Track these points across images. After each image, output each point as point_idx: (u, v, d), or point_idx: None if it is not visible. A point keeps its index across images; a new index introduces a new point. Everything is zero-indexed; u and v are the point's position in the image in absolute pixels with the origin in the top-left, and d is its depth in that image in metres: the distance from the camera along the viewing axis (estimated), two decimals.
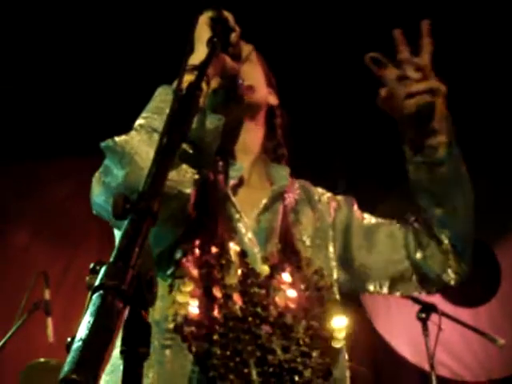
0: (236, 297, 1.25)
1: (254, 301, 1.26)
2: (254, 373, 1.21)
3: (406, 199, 1.53)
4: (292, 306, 1.31)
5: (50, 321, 3.20)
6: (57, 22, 3.59)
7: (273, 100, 1.57)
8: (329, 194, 1.61)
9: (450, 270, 1.48)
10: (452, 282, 1.51)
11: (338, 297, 1.43)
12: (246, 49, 1.49)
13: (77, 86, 3.97)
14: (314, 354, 1.29)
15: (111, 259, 0.71)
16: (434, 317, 3.03)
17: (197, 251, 1.28)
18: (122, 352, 0.73)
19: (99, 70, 3.86)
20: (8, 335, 3.12)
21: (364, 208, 1.61)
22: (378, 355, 4.30)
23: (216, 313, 1.22)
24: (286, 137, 1.60)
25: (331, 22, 3.67)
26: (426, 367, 3.08)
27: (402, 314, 3.94)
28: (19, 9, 3.50)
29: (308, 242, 1.45)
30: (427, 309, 3.06)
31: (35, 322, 3.28)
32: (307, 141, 3.52)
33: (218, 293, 1.24)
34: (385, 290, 1.54)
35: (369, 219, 1.57)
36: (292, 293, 1.32)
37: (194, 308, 1.22)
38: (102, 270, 0.69)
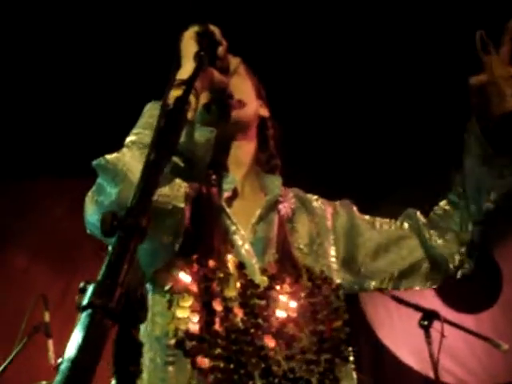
0: (236, 309, 1.25)
1: (254, 312, 1.26)
2: None
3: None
4: (293, 315, 1.30)
5: (50, 343, 3.18)
6: (46, 39, 3.60)
7: (264, 112, 1.57)
8: (323, 200, 1.61)
9: (460, 261, 1.50)
10: (459, 274, 1.52)
11: (342, 300, 1.42)
12: (234, 62, 1.49)
13: (73, 106, 3.98)
14: (323, 357, 1.28)
15: (99, 277, 0.70)
16: (437, 324, 3.01)
17: (194, 265, 1.27)
18: (113, 372, 0.72)
19: (93, 91, 3.87)
20: (9, 359, 3.09)
21: None
22: (382, 364, 4.27)
23: (217, 326, 1.21)
24: (279, 147, 1.60)
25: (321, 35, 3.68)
26: (431, 374, 3.05)
27: (405, 322, 3.92)
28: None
29: (306, 250, 1.44)
30: (429, 316, 3.03)
31: (36, 344, 3.26)
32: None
33: (218, 306, 1.23)
34: (389, 285, 1.54)
35: (372, 220, 1.58)
36: (292, 303, 1.31)
37: (194, 323, 1.21)
38: (90, 288, 0.68)
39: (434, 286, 1.57)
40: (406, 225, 1.56)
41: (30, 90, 3.88)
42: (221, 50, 1.35)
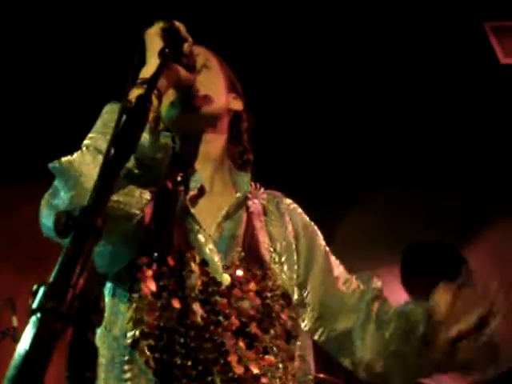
0: (196, 306, 1.24)
1: (215, 310, 1.25)
2: (217, 380, 1.19)
3: (365, 216, 1.52)
4: (256, 315, 1.29)
5: None
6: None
7: (236, 105, 1.54)
8: (297, 211, 1.58)
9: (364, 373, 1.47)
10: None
11: (298, 317, 1.41)
12: (202, 57, 1.47)
13: (46, 111, 3.92)
14: (281, 364, 1.27)
15: (50, 279, 0.67)
16: None
17: (154, 264, 1.25)
18: (67, 377, 0.69)
19: (67, 96, 3.82)
20: None
21: (323, 226, 1.58)
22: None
23: (175, 323, 1.21)
24: (252, 141, 1.59)
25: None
26: None
27: None
28: None
29: (276, 257, 1.42)
30: None
31: (3, 349, 3.20)
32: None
33: (176, 304, 1.22)
34: (315, 336, 1.49)
35: (334, 269, 1.52)
36: (256, 302, 1.30)
37: (151, 322, 1.20)
38: (41, 291, 0.65)
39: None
40: (361, 302, 1.48)
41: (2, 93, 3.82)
42: (186, 46, 1.33)
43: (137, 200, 1.17)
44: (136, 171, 1.17)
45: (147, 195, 1.19)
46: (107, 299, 1.29)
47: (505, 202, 4.37)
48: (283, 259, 1.43)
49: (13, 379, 0.57)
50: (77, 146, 1.23)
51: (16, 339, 3.17)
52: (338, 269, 1.53)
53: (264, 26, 3.59)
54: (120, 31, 3.22)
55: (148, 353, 1.18)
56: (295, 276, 1.44)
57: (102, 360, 1.21)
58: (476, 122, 4.21)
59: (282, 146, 4.02)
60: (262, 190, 1.54)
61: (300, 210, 1.59)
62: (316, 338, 1.49)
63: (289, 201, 1.58)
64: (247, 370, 1.22)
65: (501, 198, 4.38)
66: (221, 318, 1.24)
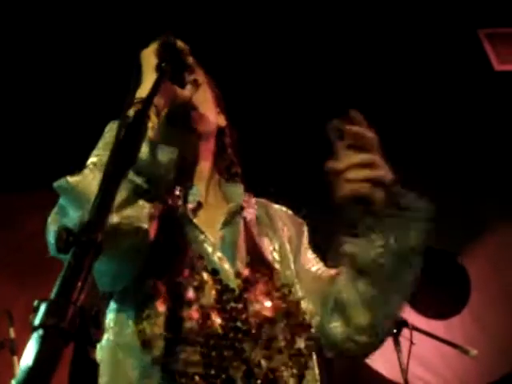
0: (214, 315, 1.24)
1: (232, 316, 1.26)
2: None
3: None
4: (269, 315, 1.30)
5: (16, 360, 3.12)
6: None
7: (221, 121, 1.57)
8: (287, 213, 1.61)
9: (352, 344, 1.43)
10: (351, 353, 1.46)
11: (306, 312, 1.40)
12: (201, 74, 1.48)
13: (50, 119, 3.93)
14: (291, 363, 1.29)
15: (52, 295, 0.68)
16: (406, 332, 3.03)
17: (167, 277, 1.26)
18: None
19: (72, 104, 3.84)
20: None
21: (321, 232, 1.61)
22: (354, 372, 4.27)
23: (194, 335, 1.21)
24: (237, 154, 1.60)
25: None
26: (402, 382, 3.06)
27: None
28: None
29: (277, 257, 1.45)
30: (398, 325, 3.05)
31: (1, 361, 3.19)
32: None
33: (195, 315, 1.23)
34: None
35: (310, 265, 1.53)
36: (267, 303, 1.32)
37: (171, 335, 1.20)
38: (42, 307, 0.66)
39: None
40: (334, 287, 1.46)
41: (6, 102, 3.82)
42: (191, 59, 1.35)
43: (145, 214, 1.17)
44: (144, 186, 1.16)
45: (154, 209, 1.19)
46: (112, 316, 1.28)
47: (503, 208, 4.39)
48: (282, 259, 1.46)
49: None
50: (82, 159, 1.22)
51: (13, 351, 3.16)
52: (313, 263, 1.54)
53: (250, 29, 3.62)
54: (119, 47, 3.25)
55: (171, 367, 1.18)
56: (295, 274, 1.46)
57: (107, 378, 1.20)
58: (471, 129, 4.23)
59: (281, 146, 4.03)
60: (254, 199, 1.56)
61: (290, 212, 1.61)
62: None
63: (277, 206, 1.61)
64: (267, 374, 1.23)
65: (499, 203, 4.40)
66: (239, 323, 1.25)
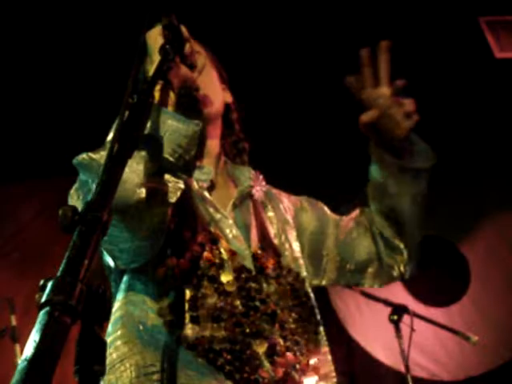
0: (234, 294, 1.27)
1: (251, 295, 1.29)
2: (265, 363, 1.23)
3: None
4: (282, 297, 1.34)
5: (17, 348, 3.12)
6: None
7: (227, 97, 1.58)
8: (286, 194, 1.65)
9: (403, 268, 1.58)
10: (401, 278, 1.61)
11: (311, 292, 1.45)
12: (202, 58, 1.47)
13: (37, 109, 3.91)
14: (303, 341, 1.32)
15: (58, 273, 0.67)
16: (407, 318, 3.03)
17: (189, 255, 1.28)
18: (75, 371, 0.69)
19: (59, 94, 3.81)
20: None
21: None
22: (353, 360, 4.29)
23: (219, 311, 1.24)
24: (244, 129, 1.62)
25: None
26: (402, 369, 3.07)
27: (375, 317, 3.94)
28: None
29: (276, 240, 1.47)
30: (398, 311, 3.05)
31: (3, 349, 3.19)
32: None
33: (217, 291, 1.26)
34: (342, 280, 1.61)
35: (338, 218, 1.63)
36: (279, 285, 1.35)
37: (195, 313, 1.23)
38: (49, 285, 0.65)
39: (380, 286, 1.63)
40: (363, 224, 1.61)
41: None
42: (188, 47, 1.33)
43: (171, 188, 1.17)
44: (171, 159, 1.16)
45: (181, 184, 1.19)
46: (122, 295, 1.30)
47: (503, 196, 4.39)
48: (283, 239, 1.48)
49: (23, 372, 0.57)
50: (70, 146, 1.20)
51: (14, 338, 3.16)
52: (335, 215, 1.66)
53: (258, 20, 3.60)
54: (121, 33, 3.22)
55: (197, 345, 1.21)
56: (298, 250, 1.50)
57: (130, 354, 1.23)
58: (472, 118, 4.22)
59: (281, 144, 4.03)
60: (261, 176, 1.57)
61: (286, 193, 1.66)
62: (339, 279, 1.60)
63: (276, 190, 1.63)
64: (286, 352, 1.27)
65: (499, 192, 4.39)
66: (257, 303, 1.28)
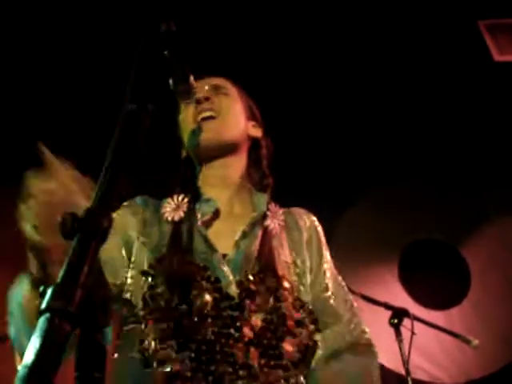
0: (208, 322, 1.27)
1: (227, 323, 1.28)
2: None
3: (365, 216, 1.55)
4: (270, 326, 1.31)
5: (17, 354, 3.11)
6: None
7: (255, 132, 1.62)
8: (307, 216, 1.60)
9: None
10: None
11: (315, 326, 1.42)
12: (202, 90, 1.54)
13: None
14: (292, 368, 1.30)
15: (58, 280, 0.68)
16: (407, 322, 3.03)
17: (162, 287, 1.30)
18: (76, 377, 0.70)
19: (60, 94, 3.81)
20: None
21: (322, 226, 1.61)
22: None
23: (186, 340, 1.24)
24: (271, 166, 1.64)
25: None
26: (403, 372, 3.06)
27: (376, 321, 3.93)
28: None
29: (297, 270, 1.46)
30: (399, 314, 3.05)
31: (2, 353, 3.18)
32: None
33: (190, 320, 1.26)
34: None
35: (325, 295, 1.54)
36: (268, 313, 1.32)
37: (163, 342, 1.24)
38: (49, 291, 0.66)
39: None
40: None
41: None
42: (192, 79, 1.35)
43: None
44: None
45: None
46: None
47: (503, 199, 4.39)
48: (303, 272, 1.47)
49: (24, 379, 0.57)
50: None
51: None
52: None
53: (257, 23, 3.61)
54: (119, 38, 3.23)
55: (160, 368, 1.22)
56: (309, 290, 1.47)
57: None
58: (471, 121, 4.22)
59: (282, 146, 4.02)
60: (281, 210, 1.55)
61: (320, 228, 1.59)
62: None
63: (311, 218, 1.60)
64: (257, 379, 1.24)
65: (499, 195, 4.40)
66: (232, 330, 1.27)
